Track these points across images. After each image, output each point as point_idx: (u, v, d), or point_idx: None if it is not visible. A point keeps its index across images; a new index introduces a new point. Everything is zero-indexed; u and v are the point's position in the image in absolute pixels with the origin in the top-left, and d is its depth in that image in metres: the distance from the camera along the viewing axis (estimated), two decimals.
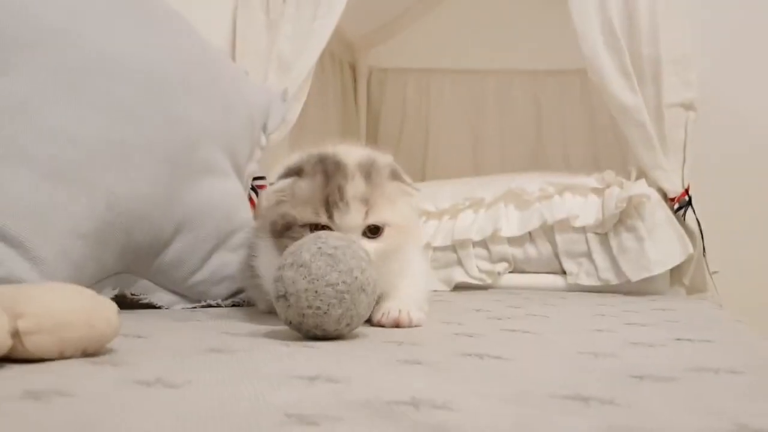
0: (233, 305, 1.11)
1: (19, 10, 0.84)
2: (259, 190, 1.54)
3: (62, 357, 0.58)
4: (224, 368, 0.55)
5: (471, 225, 1.51)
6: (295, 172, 0.84)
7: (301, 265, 0.70)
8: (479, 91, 2.32)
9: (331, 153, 0.84)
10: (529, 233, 1.49)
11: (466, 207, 1.54)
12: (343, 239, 0.74)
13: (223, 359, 0.60)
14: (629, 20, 1.45)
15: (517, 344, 0.71)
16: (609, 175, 1.50)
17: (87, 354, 0.60)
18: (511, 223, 1.50)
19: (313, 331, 0.71)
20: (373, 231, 0.82)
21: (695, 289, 1.49)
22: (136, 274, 1.01)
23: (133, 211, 0.93)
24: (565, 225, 1.47)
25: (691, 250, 1.42)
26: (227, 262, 1.09)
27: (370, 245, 0.80)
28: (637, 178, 1.50)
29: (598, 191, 1.49)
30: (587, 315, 1.02)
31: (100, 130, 0.89)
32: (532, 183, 1.53)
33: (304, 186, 0.82)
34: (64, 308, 0.58)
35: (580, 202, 1.48)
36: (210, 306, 1.08)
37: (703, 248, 1.47)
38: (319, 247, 0.71)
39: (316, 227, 0.81)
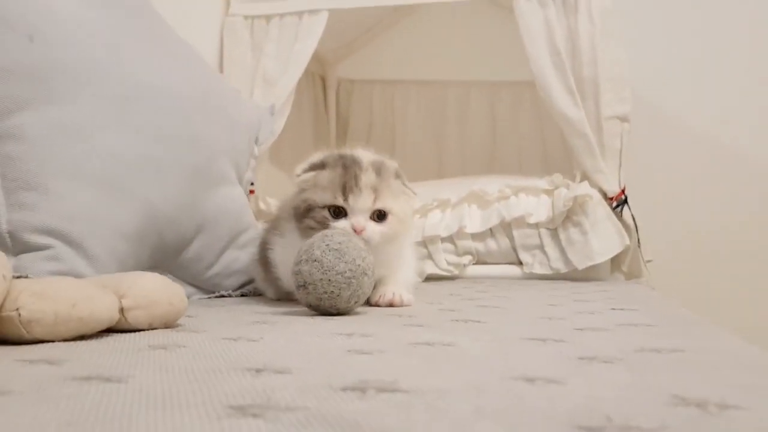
0: (242, 295, 1.29)
1: (75, 48, 1.00)
2: (249, 196, 1.72)
3: (151, 328, 0.76)
4: (278, 331, 0.74)
5: (439, 223, 1.71)
6: (319, 166, 1.02)
7: (315, 260, 0.90)
8: (440, 100, 2.51)
9: (349, 153, 1.04)
10: (490, 229, 1.68)
11: (434, 207, 1.74)
12: (345, 235, 0.93)
13: (271, 327, 0.78)
14: (572, 44, 1.66)
15: (491, 314, 0.91)
16: (557, 177, 1.71)
17: (167, 326, 0.78)
18: (474, 220, 1.70)
19: (328, 310, 0.91)
20: (380, 216, 1.01)
21: (632, 275, 1.71)
22: (162, 270, 1.17)
23: (165, 215, 1.10)
24: (520, 222, 1.67)
25: (627, 241, 1.64)
26: (236, 258, 1.27)
27: (376, 227, 0.99)
28: (581, 180, 1.69)
29: (548, 192, 1.69)
30: (543, 295, 1.23)
31: (140, 149, 1.06)
32: (491, 185, 1.73)
33: (326, 175, 1.01)
34: (152, 289, 0.76)
35: (533, 202, 1.68)
36: (222, 296, 1.26)
37: (638, 240, 1.69)
38: (327, 244, 0.91)
39: (334, 209, 0.99)
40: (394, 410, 0.39)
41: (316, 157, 1.04)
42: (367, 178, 0.99)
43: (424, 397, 0.42)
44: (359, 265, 0.90)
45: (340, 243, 0.91)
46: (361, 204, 0.98)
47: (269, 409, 0.39)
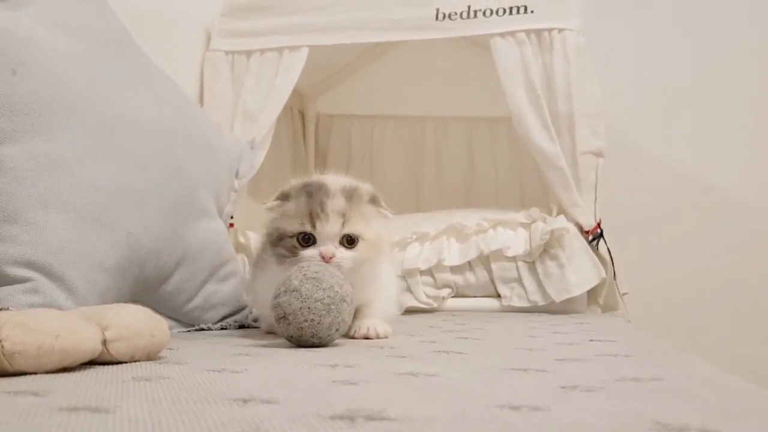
0: (221, 329, 1.28)
1: (58, 82, 1.01)
2: (229, 229, 1.72)
3: (133, 360, 0.75)
4: (262, 363, 0.74)
5: (418, 256, 1.72)
6: (284, 196, 1.04)
7: (293, 290, 0.90)
8: (418, 135, 2.54)
9: (317, 179, 1.04)
10: (469, 262, 1.70)
11: (413, 240, 1.75)
12: (321, 265, 0.94)
13: (254, 359, 0.78)
14: (548, 81, 1.70)
15: (472, 346, 0.92)
16: (534, 211, 1.74)
17: (149, 358, 0.77)
18: (453, 253, 1.71)
19: (310, 340, 0.90)
20: (349, 242, 1.01)
21: (608, 307, 1.73)
22: (142, 302, 1.16)
23: (146, 247, 1.10)
24: (498, 255, 1.69)
25: (603, 274, 1.66)
26: (217, 290, 1.27)
27: (347, 253, 1.00)
28: (558, 214, 1.72)
29: (525, 225, 1.72)
30: (522, 327, 1.24)
31: (121, 180, 1.07)
32: (469, 219, 1.75)
33: (292, 205, 1.02)
34: (135, 321, 0.75)
35: (511, 235, 1.71)
36: (202, 329, 1.25)
37: (614, 273, 1.72)
38: (305, 274, 0.91)
39: (302, 236, 1.00)
40: None
41: (285, 185, 1.05)
42: (335, 203, 1.00)
43: (413, 425, 0.42)
44: (337, 292, 0.90)
45: (317, 272, 0.91)
46: (328, 230, 0.99)
47: None
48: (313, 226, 0.99)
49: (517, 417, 0.44)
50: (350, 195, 1.02)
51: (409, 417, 0.44)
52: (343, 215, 1.00)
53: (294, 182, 1.05)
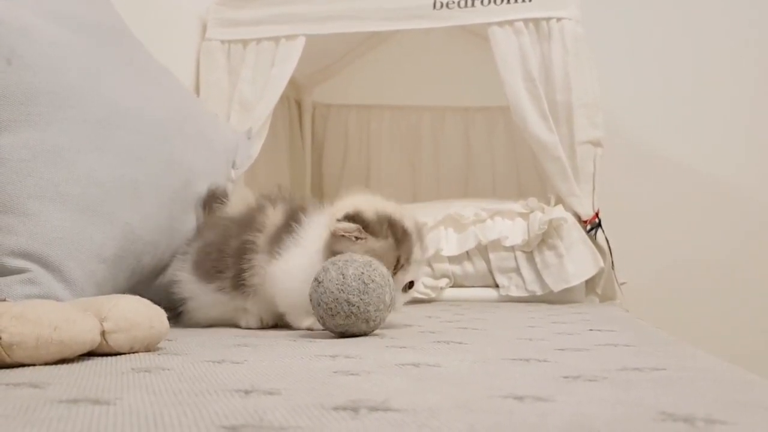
0: None
1: (53, 72, 1.00)
2: None
3: (132, 351, 0.75)
4: (262, 354, 0.74)
5: None
6: (366, 227, 0.95)
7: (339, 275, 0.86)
8: (415, 125, 2.53)
9: (392, 212, 0.97)
10: (467, 252, 1.70)
11: None
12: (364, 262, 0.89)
13: (254, 350, 0.78)
14: (546, 72, 1.69)
15: (472, 336, 0.92)
16: (532, 201, 1.73)
17: (148, 349, 0.77)
18: (451, 243, 1.71)
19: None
20: (409, 286, 1.00)
21: (606, 297, 1.73)
22: (139, 293, 1.16)
23: (142, 239, 1.10)
24: (496, 245, 1.68)
25: (602, 264, 1.66)
26: None
27: (405, 297, 1.00)
28: (556, 203, 1.71)
29: (523, 215, 1.71)
30: (521, 317, 1.24)
31: (118, 172, 1.06)
32: (467, 209, 1.74)
33: (377, 244, 0.95)
34: (134, 312, 0.75)
35: (509, 225, 1.70)
36: None
37: (612, 263, 1.72)
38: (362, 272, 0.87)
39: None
40: (388, 429, 0.39)
41: (361, 211, 0.98)
42: (416, 252, 1.01)
43: (417, 416, 0.42)
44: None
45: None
46: (403, 280, 1.00)
47: (262, 429, 0.39)
48: (394, 273, 0.95)
49: (521, 407, 0.44)
50: (420, 236, 1.00)
51: (413, 408, 0.44)
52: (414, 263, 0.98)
53: (369, 211, 0.96)
